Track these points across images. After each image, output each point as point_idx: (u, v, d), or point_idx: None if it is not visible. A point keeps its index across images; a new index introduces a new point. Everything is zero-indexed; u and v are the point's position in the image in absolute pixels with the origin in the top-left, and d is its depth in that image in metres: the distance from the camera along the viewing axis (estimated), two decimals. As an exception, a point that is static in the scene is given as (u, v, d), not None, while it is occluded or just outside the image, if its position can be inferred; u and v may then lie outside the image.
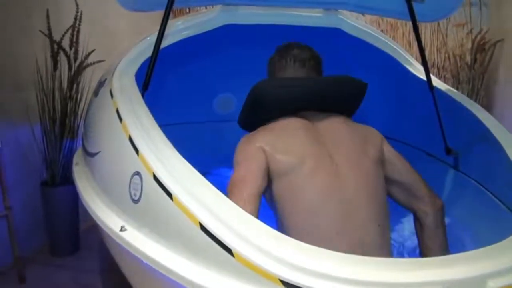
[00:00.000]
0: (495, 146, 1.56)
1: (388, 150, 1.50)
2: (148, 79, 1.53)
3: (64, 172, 2.47)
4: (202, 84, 2.28)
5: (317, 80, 1.56)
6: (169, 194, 1.13)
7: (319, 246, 1.02)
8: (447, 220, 1.62)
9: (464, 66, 2.96)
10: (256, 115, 1.48)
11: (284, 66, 1.55)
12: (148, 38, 1.80)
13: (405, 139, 2.12)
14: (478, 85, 2.93)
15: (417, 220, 1.50)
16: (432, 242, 1.45)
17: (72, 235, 2.55)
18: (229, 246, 0.99)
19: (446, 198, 1.85)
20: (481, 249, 1.07)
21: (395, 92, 2.15)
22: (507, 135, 1.58)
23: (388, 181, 1.46)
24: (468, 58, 2.96)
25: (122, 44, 2.21)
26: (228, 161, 2.22)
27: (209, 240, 1.01)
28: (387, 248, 1.33)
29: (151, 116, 1.38)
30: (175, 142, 2.18)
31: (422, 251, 1.48)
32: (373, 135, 1.49)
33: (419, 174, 1.52)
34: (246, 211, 1.07)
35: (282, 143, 1.35)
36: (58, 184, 2.47)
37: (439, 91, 1.82)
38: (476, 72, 2.92)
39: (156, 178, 1.17)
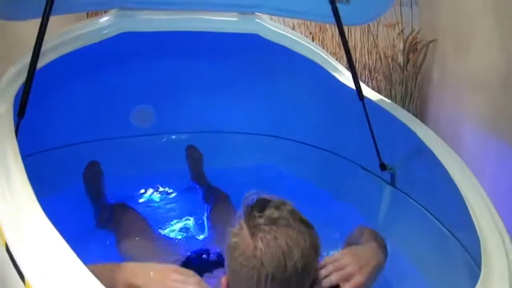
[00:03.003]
0: (433, 161, 1.38)
1: None
2: (24, 103, 1.26)
3: None
4: (106, 97, 2.00)
5: None
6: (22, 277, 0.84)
7: None
8: (388, 240, 1.45)
9: (397, 67, 2.83)
10: None
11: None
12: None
13: (339, 151, 1.96)
14: (412, 86, 2.81)
15: None
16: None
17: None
18: None
19: (384, 216, 1.72)
20: None
21: (326, 103, 1.96)
22: (446, 148, 1.41)
23: None
24: (401, 59, 2.84)
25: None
26: (149, 182, 2.09)
27: None
28: None
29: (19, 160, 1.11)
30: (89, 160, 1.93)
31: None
32: None
33: None
34: None
35: None
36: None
37: (370, 101, 1.64)
38: (409, 73, 2.81)
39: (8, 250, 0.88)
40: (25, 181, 1.00)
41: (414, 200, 1.59)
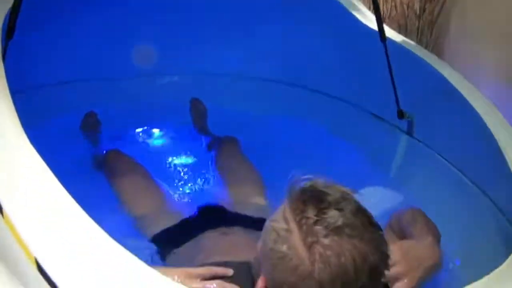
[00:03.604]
0: (462, 105, 1.26)
1: None
2: (12, 23, 1.13)
3: None
4: (104, 33, 1.85)
5: None
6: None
7: None
8: (404, 191, 1.42)
9: (412, 15, 2.68)
10: None
11: None
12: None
13: (351, 99, 1.83)
14: (428, 36, 2.67)
15: None
16: None
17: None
18: None
19: (399, 168, 1.63)
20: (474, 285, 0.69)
21: (340, 44, 1.81)
22: (476, 93, 1.28)
23: None
24: (417, 6, 2.68)
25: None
26: (147, 123, 1.97)
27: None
28: None
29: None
30: (91, 101, 1.83)
31: None
32: None
33: None
34: None
35: None
36: None
37: (392, 42, 1.50)
38: (425, 22, 2.66)
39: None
40: (9, 106, 0.88)
41: (434, 151, 1.48)
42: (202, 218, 1.32)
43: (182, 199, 1.58)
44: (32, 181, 0.74)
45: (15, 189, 0.73)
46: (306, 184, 0.80)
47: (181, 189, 1.65)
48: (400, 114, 1.54)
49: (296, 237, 0.76)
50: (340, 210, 0.76)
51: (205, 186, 1.66)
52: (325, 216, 0.75)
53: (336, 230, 0.74)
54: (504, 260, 0.74)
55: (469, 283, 0.66)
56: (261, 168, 1.61)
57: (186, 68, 2.02)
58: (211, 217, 1.31)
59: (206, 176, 1.69)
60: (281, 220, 0.79)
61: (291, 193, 0.80)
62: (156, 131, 1.96)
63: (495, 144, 1.08)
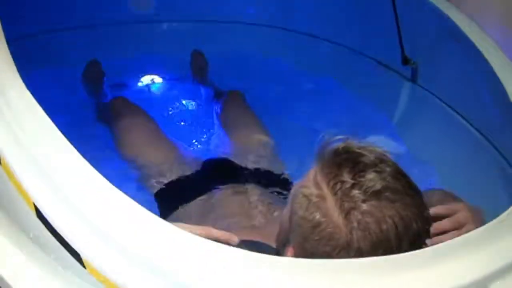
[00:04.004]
0: (469, 50, 1.22)
1: None
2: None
3: None
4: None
5: None
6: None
7: None
8: (408, 138, 1.39)
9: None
10: None
11: None
12: None
13: (353, 45, 1.78)
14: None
15: None
16: None
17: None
18: (77, 249, 0.59)
19: (402, 115, 1.61)
20: (471, 235, 0.66)
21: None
22: (484, 37, 1.24)
23: None
24: None
25: None
26: (145, 69, 1.90)
27: (48, 234, 0.62)
28: None
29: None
30: (87, 47, 1.78)
31: None
32: None
33: None
34: None
35: None
36: None
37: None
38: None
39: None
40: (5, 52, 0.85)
41: (438, 98, 1.45)
42: (210, 173, 1.25)
43: (189, 152, 1.51)
44: (31, 129, 0.72)
45: (14, 136, 0.72)
46: (338, 145, 0.72)
47: (187, 141, 1.59)
48: (405, 60, 1.51)
49: (330, 203, 0.68)
50: (378, 172, 0.68)
51: (211, 140, 1.61)
52: (362, 179, 0.68)
53: (376, 195, 0.67)
54: (506, 209, 0.73)
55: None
56: (264, 118, 1.58)
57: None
58: (220, 172, 1.24)
59: (211, 129, 1.65)
60: (312, 186, 0.71)
61: (323, 156, 0.72)
62: (157, 81, 1.92)
63: (501, 90, 1.05)
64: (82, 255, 0.58)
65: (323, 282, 0.57)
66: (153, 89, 1.90)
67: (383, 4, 1.43)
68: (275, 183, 1.21)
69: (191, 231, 0.62)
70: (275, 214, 1.05)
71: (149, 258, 0.55)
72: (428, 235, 0.70)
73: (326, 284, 0.57)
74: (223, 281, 0.54)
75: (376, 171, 0.68)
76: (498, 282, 0.59)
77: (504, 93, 1.03)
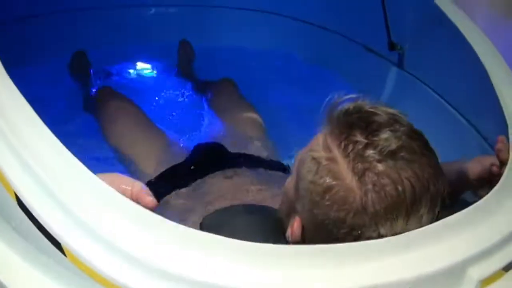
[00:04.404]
0: (454, 36, 1.22)
1: None
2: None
3: None
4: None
5: None
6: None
7: None
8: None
9: None
10: None
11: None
12: None
13: (340, 29, 1.78)
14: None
15: None
16: None
17: None
18: (57, 237, 0.59)
19: (388, 100, 1.58)
20: (450, 218, 0.64)
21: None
22: (469, 23, 1.24)
23: None
24: None
25: None
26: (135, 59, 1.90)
27: (29, 222, 0.61)
28: None
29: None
30: (81, 32, 1.74)
31: None
32: None
33: None
34: None
35: None
36: None
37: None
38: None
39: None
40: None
41: (424, 83, 1.46)
42: (201, 159, 1.22)
43: (178, 140, 1.48)
44: (12, 117, 0.71)
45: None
46: (349, 105, 0.69)
47: (176, 129, 1.55)
48: (391, 46, 1.51)
49: (342, 165, 0.64)
50: (393, 131, 0.64)
51: (201, 126, 1.58)
52: (376, 138, 0.64)
53: (391, 154, 0.63)
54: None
55: (449, 214, 0.65)
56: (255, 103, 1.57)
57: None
58: (212, 158, 1.21)
59: (200, 117, 1.63)
60: (321, 149, 0.67)
61: (333, 117, 0.68)
62: (145, 68, 1.90)
63: (485, 76, 1.06)
64: (62, 244, 0.58)
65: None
66: (140, 77, 1.88)
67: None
68: (269, 166, 1.19)
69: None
70: (270, 194, 1.03)
71: (127, 245, 0.55)
72: (444, 200, 0.66)
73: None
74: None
75: (391, 130, 0.65)
76: (477, 266, 0.60)
77: (486, 78, 1.04)
